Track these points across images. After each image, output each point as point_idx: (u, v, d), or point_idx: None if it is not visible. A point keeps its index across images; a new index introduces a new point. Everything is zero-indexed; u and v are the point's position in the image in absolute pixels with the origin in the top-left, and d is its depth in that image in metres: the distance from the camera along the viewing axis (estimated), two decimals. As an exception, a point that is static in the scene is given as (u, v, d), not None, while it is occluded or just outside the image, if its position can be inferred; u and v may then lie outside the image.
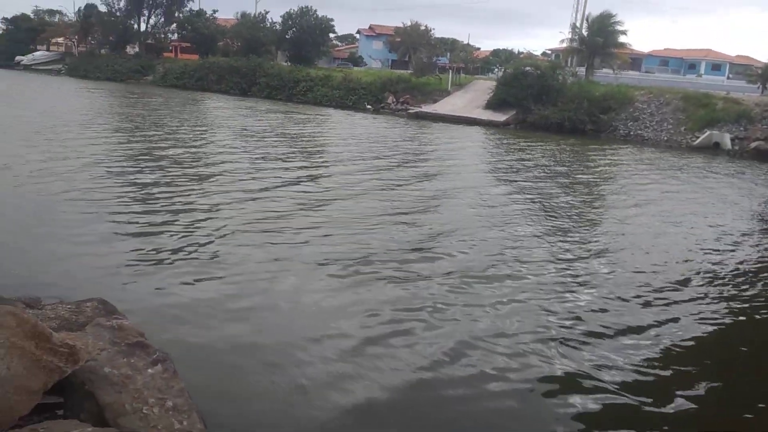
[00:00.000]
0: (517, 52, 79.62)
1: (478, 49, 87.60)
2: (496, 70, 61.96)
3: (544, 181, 17.56)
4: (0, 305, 3.94)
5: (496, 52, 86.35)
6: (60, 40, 77.26)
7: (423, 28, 59.24)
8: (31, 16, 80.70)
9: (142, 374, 4.25)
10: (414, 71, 48.20)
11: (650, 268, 9.63)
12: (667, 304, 8.06)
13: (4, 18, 79.82)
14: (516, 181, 17.35)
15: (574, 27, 47.49)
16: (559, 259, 9.71)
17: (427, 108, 41.15)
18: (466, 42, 78.17)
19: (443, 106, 41.10)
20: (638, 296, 8.29)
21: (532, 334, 6.78)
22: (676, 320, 7.55)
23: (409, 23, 60.64)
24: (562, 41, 48.12)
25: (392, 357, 6.09)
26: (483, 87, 43.22)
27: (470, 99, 41.68)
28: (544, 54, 72.56)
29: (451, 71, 47.41)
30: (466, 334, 6.68)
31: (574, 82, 39.65)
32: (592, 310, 7.64)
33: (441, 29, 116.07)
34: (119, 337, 4.47)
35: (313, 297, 7.53)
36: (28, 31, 75.85)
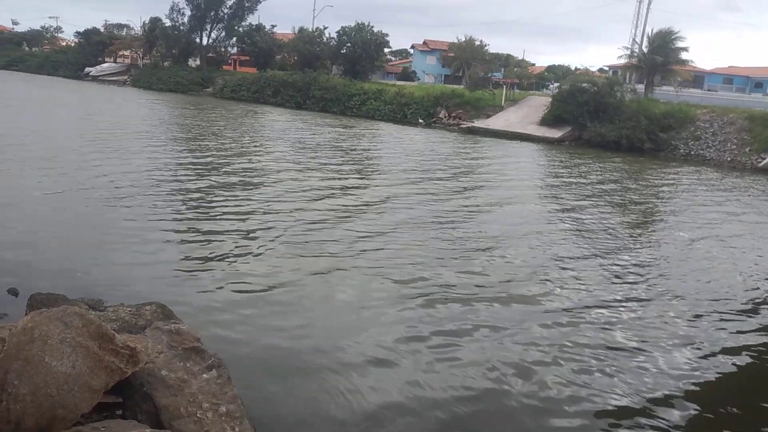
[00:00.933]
0: (573, 68, 78.46)
1: (533, 64, 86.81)
2: (551, 85, 61.12)
3: (602, 201, 17.10)
4: (67, 306, 4.10)
5: (551, 68, 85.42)
6: (126, 52, 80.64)
7: (477, 43, 59.00)
8: (101, 29, 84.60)
9: (197, 379, 4.35)
10: (468, 86, 48.04)
11: (712, 296, 9.20)
12: (731, 336, 7.68)
13: (76, 32, 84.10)
14: (572, 200, 16.95)
15: (633, 43, 46.48)
16: (610, 281, 9.45)
17: (479, 123, 40.91)
18: (520, 57, 77.62)
19: (496, 122, 40.77)
20: (700, 327, 7.92)
21: (581, 364, 6.53)
22: (738, 354, 7.18)
23: (463, 38, 60.51)
24: (620, 57, 47.08)
25: (442, 382, 5.97)
26: (537, 103, 42.71)
27: (524, 115, 41.22)
28: (601, 70, 71.18)
29: (505, 86, 47.05)
30: (515, 360, 6.50)
31: (632, 99, 38.69)
32: (647, 341, 7.30)
33: (495, 44, 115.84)
34: (176, 341, 4.58)
35: (365, 311, 7.54)
36: (97, 44, 79.45)
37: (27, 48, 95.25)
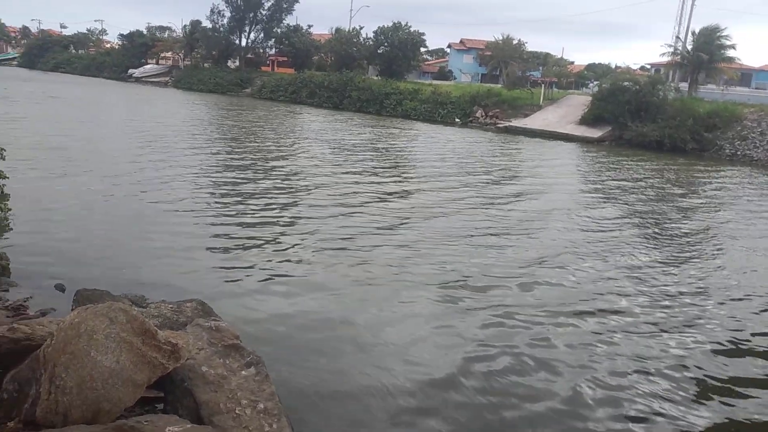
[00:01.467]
0: (613, 66, 76.87)
1: (572, 63, 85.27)
2: (591, 84, 60.06)
3: (647, 205, 16.61)
4: (112, 302, 4.21)
5: (591, 66, 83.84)
6: (168, 54, 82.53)
7: (515, 42, 58.44)
8: (144, 32, 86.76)
9: (236, 375, 4.41)
10: (505, 85, 47.60)
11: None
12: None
13: (120, 34, 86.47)
14: (615, 203, 16.52)
15: (677, 40, 45.30)
16: (666, 295, 8.95)
17: (517, 122, 40.48)
18: (559, 56, 76.40)
19: (534, 121, 40.28)
20: (759, 344, 7.46)
21: (631, 384, 6.16)
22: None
23: (500, 37, 60.04)
24: (663, 55, 45.98)
25: (486, 397, 5.76)
26: (577, 102, 42.06)
27: (563, 114, 40.63)
28: (642, 68, 69.66)
29: (543, 85, 46.47)
30: (562, 382, 6.12)
31: (675, 98, 37.74)
32: (702, 358, 6.88)
33: (534, 43, 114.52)
34: (216, 338, 4.65)
35: (403, 319, 7.39)
36: (140, 46, 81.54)
37: (74, 50, 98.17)
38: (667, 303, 8.65)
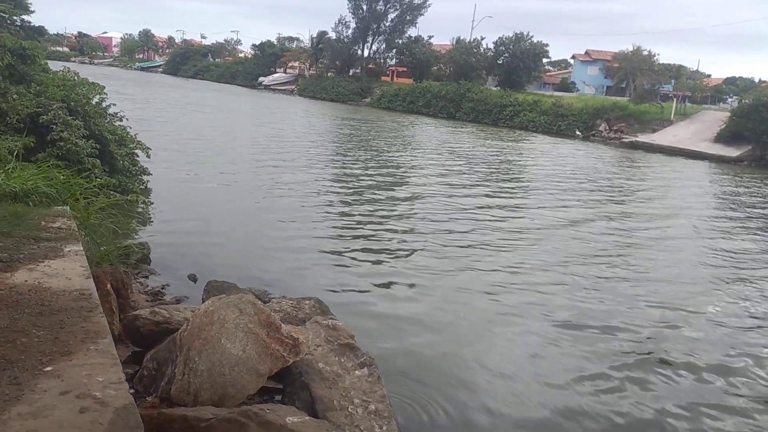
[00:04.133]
0: (757, 81, 70.72)
1: (709, 76, 79.36)
2: (730, 99, 55.64)
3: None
4: (243, 294, 4.49)
5: (730, 80, 77.74)
6: (295, 63, 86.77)
7: (645, 53, 55.47)
8: (274, 42, 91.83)
9: (350, 374, 4.54)
10: (632, 98, 45.29)
11: None
12: None
13: (253, 44, 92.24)
14: (761, 236, 14.62)
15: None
16: None
17: (644, 138, 38.34)
18: (694, 68, 71.53)
19: (663, 137, 37.94)
20: None
21: None
22: None
23: (630, 48, 57.32)
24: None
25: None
26: (712, 118, 39.10)
27: (696, 130, 37.94)
28: (791, 83, 63.45)
29: (675, 99, 43.71)
30: None
31: (831, 117, 34.02)
32: None
33: (666, 55, 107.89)
34: (333, 336, 4.82)
35: (522, 345, 7.07)
36: (270, 56, 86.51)
37: (211, 59, 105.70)
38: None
